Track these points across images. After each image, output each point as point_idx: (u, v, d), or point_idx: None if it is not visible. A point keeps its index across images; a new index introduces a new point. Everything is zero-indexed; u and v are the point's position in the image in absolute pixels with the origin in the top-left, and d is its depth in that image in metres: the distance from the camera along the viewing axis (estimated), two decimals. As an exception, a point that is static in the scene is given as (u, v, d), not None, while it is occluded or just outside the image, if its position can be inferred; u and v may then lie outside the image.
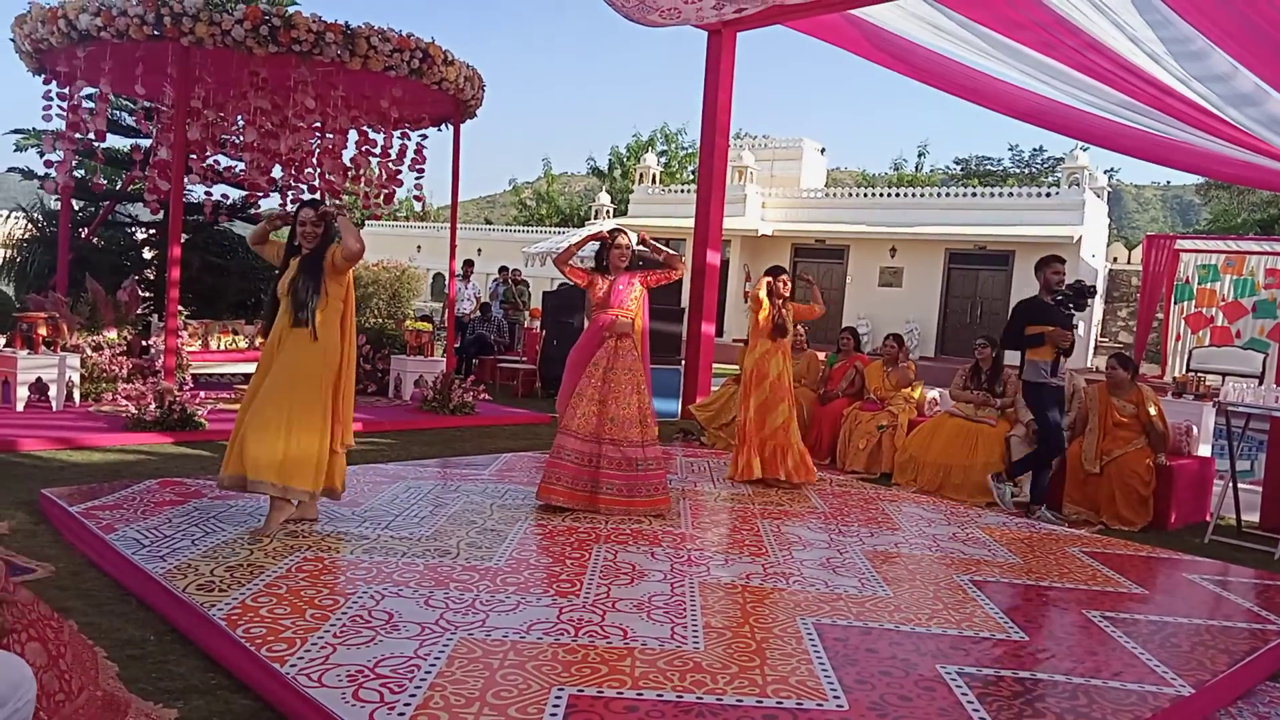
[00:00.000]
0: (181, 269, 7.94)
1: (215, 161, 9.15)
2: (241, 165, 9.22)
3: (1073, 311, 6.24)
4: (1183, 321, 19.24)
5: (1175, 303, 19.12)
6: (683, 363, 10.21)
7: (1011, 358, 7.36)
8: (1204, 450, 7.40)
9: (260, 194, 9.22)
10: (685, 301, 10.57)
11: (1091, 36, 7.85)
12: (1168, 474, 6.28)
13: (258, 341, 9.97)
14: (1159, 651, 3.54)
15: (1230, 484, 6.21)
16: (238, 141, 9.10)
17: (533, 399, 11.41)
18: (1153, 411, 6.40)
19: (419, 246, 32.10)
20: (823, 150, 26.47)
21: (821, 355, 8.81)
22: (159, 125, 8.53)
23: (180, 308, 8.27)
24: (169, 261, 7.65)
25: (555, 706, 2.73)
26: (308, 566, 3.93)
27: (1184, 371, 15.50)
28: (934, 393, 8.33)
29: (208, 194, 9.55)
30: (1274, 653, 3.70)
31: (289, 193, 9.36)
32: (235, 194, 10.32)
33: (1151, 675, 3.27)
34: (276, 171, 9.03)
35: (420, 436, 7.99)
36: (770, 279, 6.69)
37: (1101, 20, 7.57)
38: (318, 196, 9.93)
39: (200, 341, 9.50)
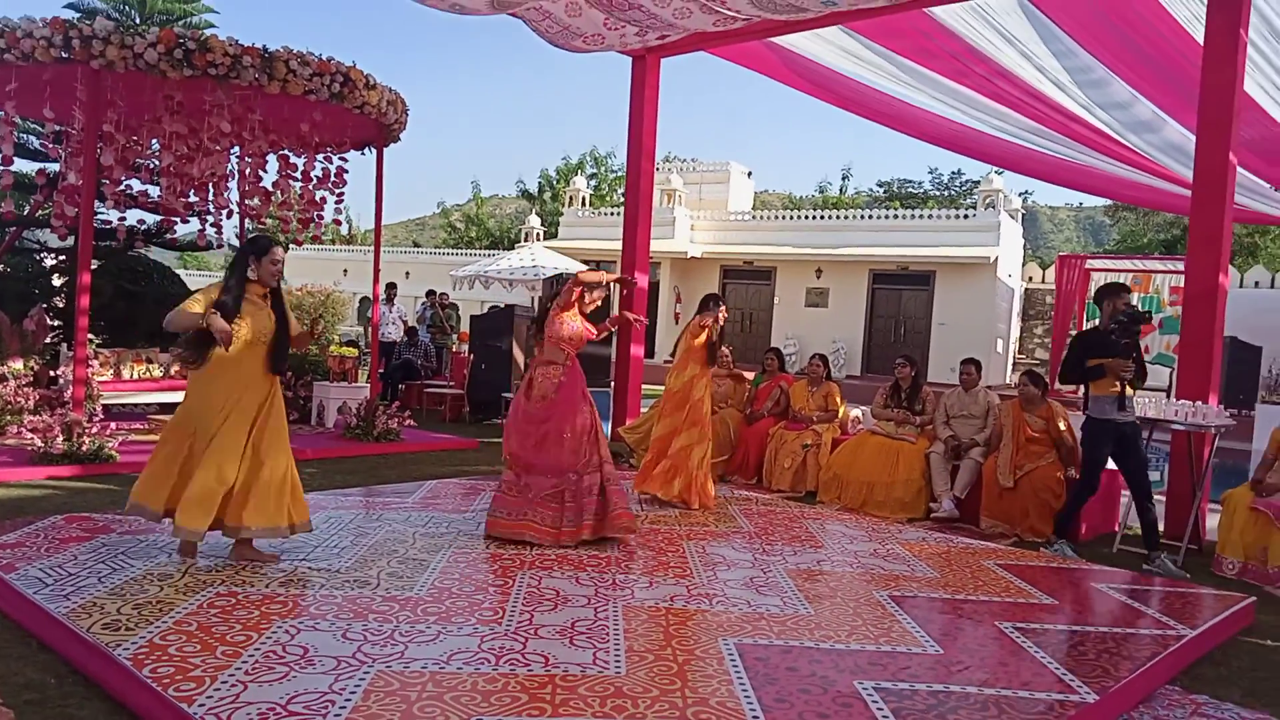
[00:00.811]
0: (93, 296, 7.69)
1: (128, 186, 8.90)
2: (157, 190, 8.99)
3: (1129, 340, 5.84)
4: (1095, 338, 19.86)
5: (1087, 320, 19.83)
6: (612, 385, 10.24)
7: (936, 375, 7.56)
8: (1113, 464, 7.67)
9: (177, 219, 9.01)
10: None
11: (1000, 65, 8.16)
12: (1077, 487, 6.49)
13: (173, 370, 9.70)
14: (1066, 660, 3.65)
15: (1136, 495, 6.44)
16: (152, 166, 8.87)
17: (460, 424, 11.28)
18: (1062, 426, 6.63)
19: (345, 270, 31.63)
20: (749, 174, 26.91)
21: (748, 375, 8.92)
22: (68, 149, 8.28)
23: (91, 336, 8.00)
24: (79, 289, 7.39)
25: (473, 737, 2.71)
26: (220, 602, 3.82)
27: (1096, 386, 16.04)
28: (856, 411, 8.49)
29: (121, 219, 9.27)
30: (1173, 657, 3.85)
31: (206, 217, 9.16)
32: (151, 219, 10.06)
33: (1059, 684, 3.38)
34: (193, 196, 8.83)
35: (343, 465, 7.85)
36: (713, 316, 6.72)
37: (1010, 50, 7.88)
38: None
39: (112, 371, 9.19)
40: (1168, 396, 13.88)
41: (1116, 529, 6.55)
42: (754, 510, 6.58)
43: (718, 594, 4.34)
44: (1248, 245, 25.54)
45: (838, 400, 8.14)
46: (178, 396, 9.45)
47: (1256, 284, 19.01)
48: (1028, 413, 6.73)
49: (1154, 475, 7.73)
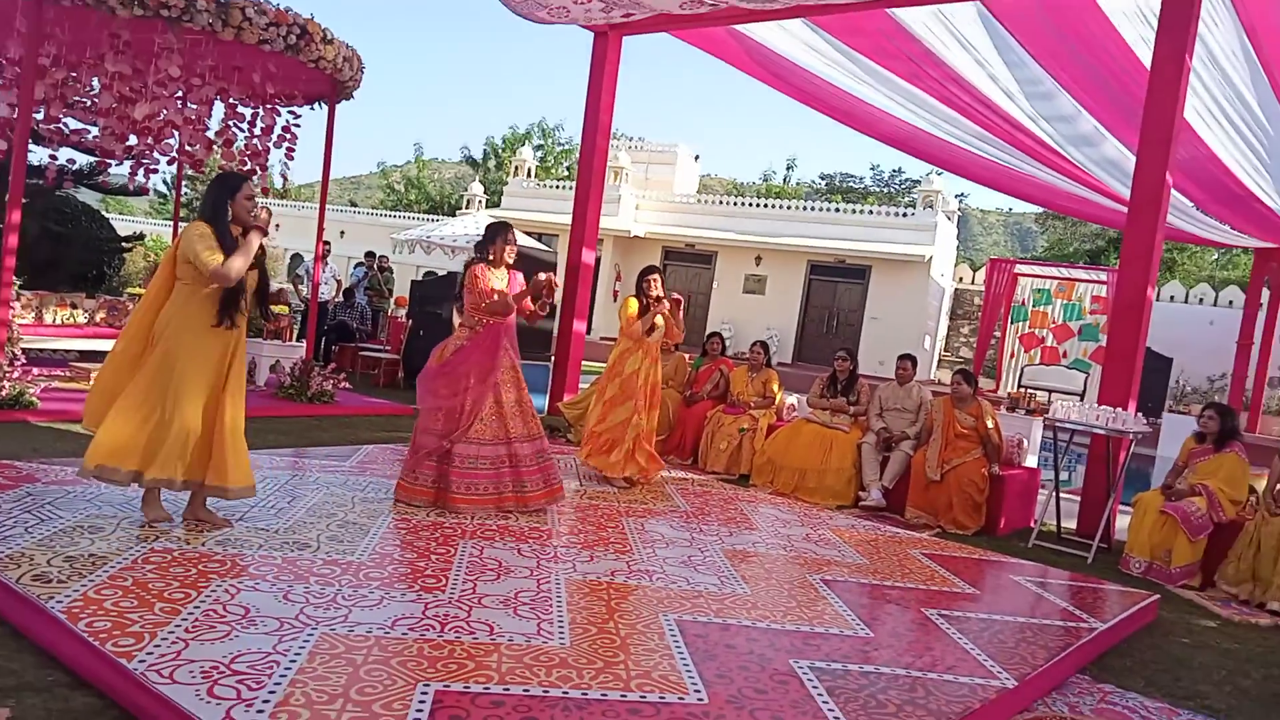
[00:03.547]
0: (18, 236, 7.37)
1: (63, 124, 8.53)
2: (94, 130, 8.63)
3: None
4: (1017, 340, 20.68)
5: (1012, 323, 20.54)
6: (552, 359, 10.25)
7: (866, 368, 7.80)
8: (1031, 461, 8.01)
9: (113, 161, 8.64)
10: (558, 298, 10.60)
11: (955, 71, 8.35)
12: (1000, 483, 6.77)
13: (98, 316, 9.39)
14: (987, 647, 3.83)
15: (1054, 493, 6.75)
16: (89, 105, 8.51)
17: (395, 389, 11.18)
18: (990, 424, 6.88)
19: (278, 225, 30.77)
20: (697, 157, 26.98)
21: (689, 357, 9.01)
22: (1, 81, 7.88)
23: (14, 277, 7.68)
24: (5, 227, 7.09)
25: (421, 702, 2.73)
26: (155, 558, 3.75)
27: (1017, 387, 16.68)
28: (792, 399, 8.66)
29: (52, 158, 8.89)
30: (1084, 648, 4.06)
31: (144, 162, 8.83)
32: (82, 159, 9.66)
33: (981, 669, 3.55)
34: (133, 139, 8.50)
35: (275, 424, 7.71)
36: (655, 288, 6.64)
37: (965, 57, 8.06)
38: (179, 166, 9.39)
39: (34, 314, 8.86)
40: (1081, 400, 14.46)
41: (1033, 524, 6.84)
42: (690, 490, 6.68)
43: (657, 571, 4.42)
44: (1166, 261, 26.61)
45: (775, 388, 8.29)
46: (103, 345, 9.19)
47: (1172, 298, 19.89)
48: (958, 410, 6.97)
49: (1064, 475, 8.11)
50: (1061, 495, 6.86)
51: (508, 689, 2.89)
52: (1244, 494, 5.99)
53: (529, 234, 17.17)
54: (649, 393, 6.58)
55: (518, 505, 5.24)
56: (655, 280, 6.62)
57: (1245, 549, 5.62)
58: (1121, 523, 6.64)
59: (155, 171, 9.21)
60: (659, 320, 6.52)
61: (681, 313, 6.68)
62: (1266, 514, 5.64)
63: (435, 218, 27.90)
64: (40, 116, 8.08)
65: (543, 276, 5.36)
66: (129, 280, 13.92)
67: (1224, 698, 3.90)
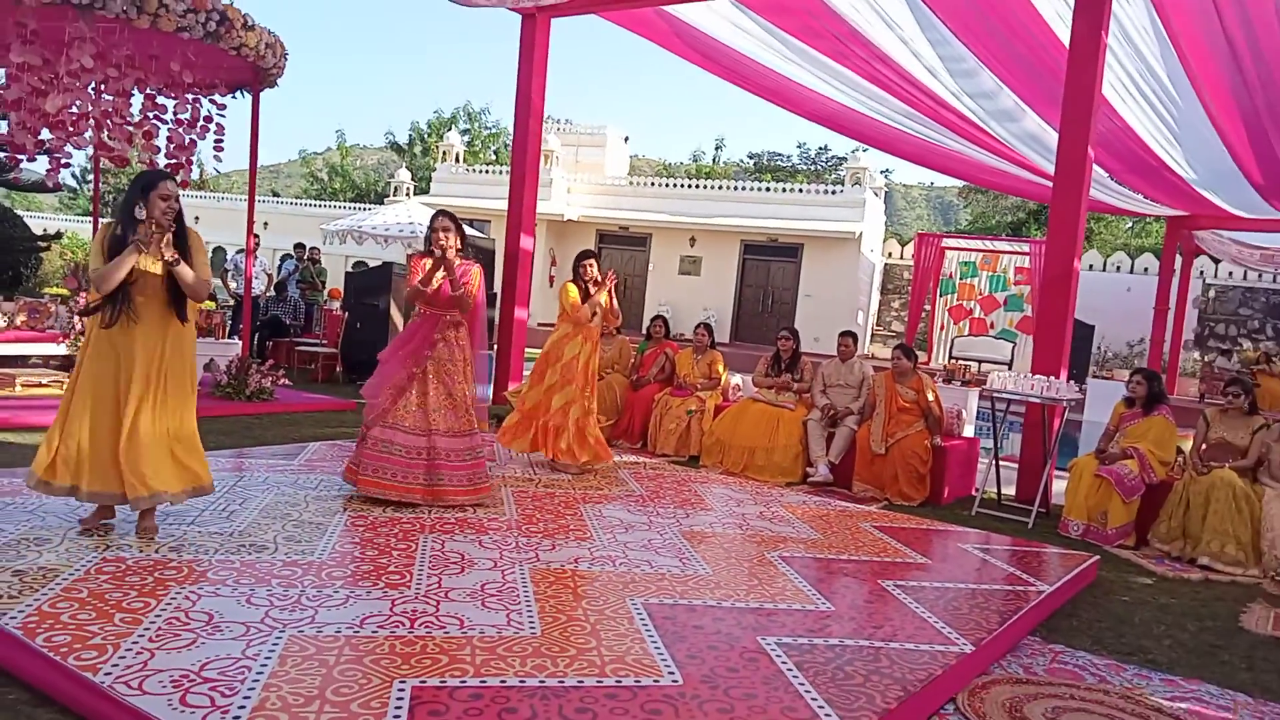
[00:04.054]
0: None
1: (-32, 119, 8.12)
2: (3, 125, 8.23)
3: None
4: (947, 313, 21.21)
5: (941, 295, 21.06)
6: (494, 348, 10.17)
7: (801, 345, 7.98)
8: (969, 431, 8.25)
9: (24, 157, 8.25)
10: (498, 286, 10.54)
11: (880, 49, 8.49)
12: (942, 453, 6.96)
13: (18, 320, 9.01)
14: (944, 614, 3.96)
15: (993, 462, 6.97)
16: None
17: (334, 384, 10.98)
18: (931, 397, 7.07)
19: (196, 217, 29.87)
20: (626, 138, 26.94)
21: (632, 341, 9.04)
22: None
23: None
24: (-87, 229, 6.75)
25: (399, 699, 2.73)
26: (109, 568, 3.65)
27: (950, 359, 17.13)
28: (737, 378, 8.77)
29: (-40, 155, 8.46)
30: (1034, 611, 4.23)
31: (58, 156, 8.45)
32: (-9, 155, 9.16)
33: (940, 636, 3.67)
34: (46, 134, 8.12)
35: (215, 424, 7.51)
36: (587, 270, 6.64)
37: (889, 35, 8.20)
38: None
39: (-53, 319, 8.45)
40: (1009, 368, 14.90)
41: (974, 492, 7.06)
42: (643, 474, 6.73)
43: (619, 556, 4.46)
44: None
45: (720, 368, 8.39)
46: (26, 349, 8.82)
47: (1090, 267, 20.60)
48: (899, 384, 7.14)
49: (1001, 444, 8.38)
50: (1000, 463, 7.09)
51: (484, 681, 2.90)
52: (1172, 455, 6.28)
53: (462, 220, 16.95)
54: (589, 377, 6.59)
55: (428, 499, 5.03)
56: (592, 264, 6.63)
57: (1175, 508, 5.90)
58: (1058, 487, 6.89)
59: (68, 166, 8.85)
60: (602, 299, 6.53)
61: (614, 293, 6.63)
62: (1194, 473, 5.93)
63: (363, 206, 27.37)
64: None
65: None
66: (46, 280, 13.37)
67: (1165, 651, 4.10)
